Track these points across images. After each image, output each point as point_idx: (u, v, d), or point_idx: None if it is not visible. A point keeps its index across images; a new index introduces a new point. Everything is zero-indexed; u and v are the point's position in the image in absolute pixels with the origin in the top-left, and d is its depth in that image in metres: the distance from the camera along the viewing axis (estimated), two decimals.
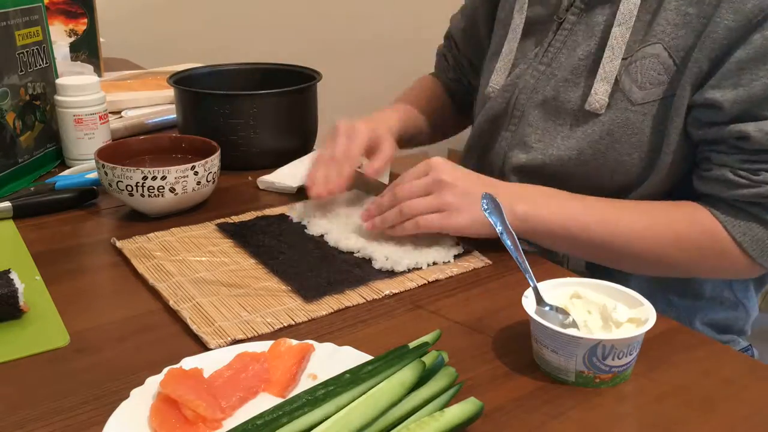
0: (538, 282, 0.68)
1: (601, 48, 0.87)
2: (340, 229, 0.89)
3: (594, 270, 0.90)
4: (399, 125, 1.06)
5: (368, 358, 0.62)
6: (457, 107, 1.23)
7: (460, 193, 0.82)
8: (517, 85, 0.95)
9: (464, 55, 1.18)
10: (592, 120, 0.87)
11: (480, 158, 1.03)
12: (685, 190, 0.87)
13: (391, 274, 0.81)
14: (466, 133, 1.16)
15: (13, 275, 0.72)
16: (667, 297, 0.95)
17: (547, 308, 0.66)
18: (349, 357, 0.63)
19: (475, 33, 1.14)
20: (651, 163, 0.87)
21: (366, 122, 0.97)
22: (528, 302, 0.66)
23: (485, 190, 0.75)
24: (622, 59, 0.85)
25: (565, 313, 0.66)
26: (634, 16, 0.84)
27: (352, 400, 0.54)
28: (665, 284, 0.94)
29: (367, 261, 0.84)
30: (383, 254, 0.83)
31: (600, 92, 0.86)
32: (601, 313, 0.65)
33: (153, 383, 0.60)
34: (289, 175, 1.07)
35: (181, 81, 1.19)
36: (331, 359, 0.63)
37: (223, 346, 0.67)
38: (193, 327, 0.70)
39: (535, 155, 0.92)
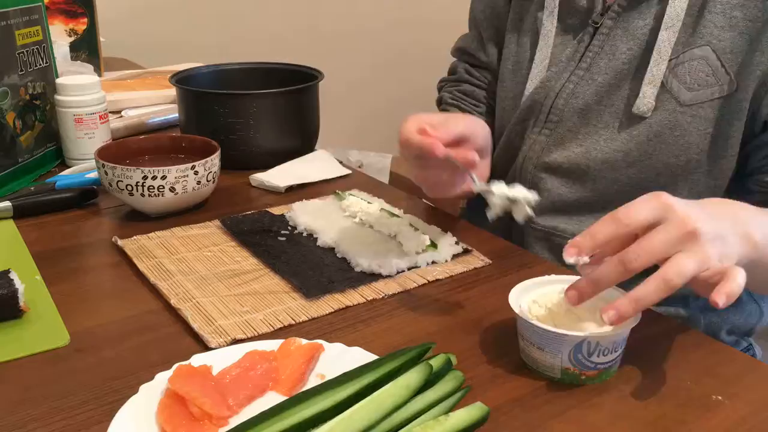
0: (530, 279, 0.68)
1: (645, 51, 0.87)
2: (336, 230, 0.89)
3: None
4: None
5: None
6: None
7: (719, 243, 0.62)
8: (551, 88, 0.93)
9: (487, 67, 1.08)
10: (638, 122, 0.87)
11: (509, 161, 1.00)
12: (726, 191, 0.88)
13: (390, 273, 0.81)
14: None
15: (13, 275, 0.72)
16: (698, 301, 0.92)
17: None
18: (358, 358, 0.63)
19: (501, 37, 1.05)
20: (697, 166, 0.87)
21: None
22: (514, 298, 0.66)
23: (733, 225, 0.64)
24: (668, 60, 0.85)
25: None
26: (681, 19, 0.84)
27: (353, 397, 0.54)
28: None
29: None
30: (373, 261, 0.82)
31: (648, 95, 0.86)
32: (589, 310, 0.65)
33: (162, 379, 0.60)
34: (280, 174, 1.08)
35: (182, 80, 1.19)
36: (340, 360, 0.63)
37: (224, 346, 0.67)
38: (195, 326, 0.70)
39: (576, 158, 0.92)
